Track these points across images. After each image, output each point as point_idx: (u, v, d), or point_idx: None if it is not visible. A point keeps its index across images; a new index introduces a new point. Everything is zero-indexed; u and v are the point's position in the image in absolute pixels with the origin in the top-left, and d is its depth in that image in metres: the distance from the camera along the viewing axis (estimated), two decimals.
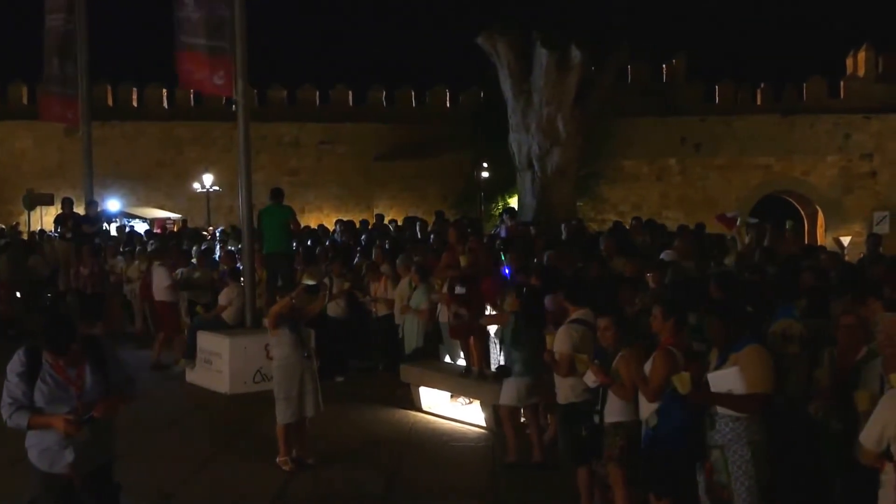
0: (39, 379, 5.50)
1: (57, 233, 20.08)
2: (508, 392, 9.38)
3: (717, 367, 6.42)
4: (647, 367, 6.81)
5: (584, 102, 21.51)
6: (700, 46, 55.41)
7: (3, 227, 28.50)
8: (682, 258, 11.81)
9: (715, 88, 39.82)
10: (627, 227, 18.41)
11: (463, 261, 11.65)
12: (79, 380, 5.54)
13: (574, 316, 8.07)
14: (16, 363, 5.53)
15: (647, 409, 6.81)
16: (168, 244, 18.70)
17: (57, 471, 5.57)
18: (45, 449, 5.55)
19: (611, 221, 24.97)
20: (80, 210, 19.95)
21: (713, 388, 6.38)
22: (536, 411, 9.46)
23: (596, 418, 7.31)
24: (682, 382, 6.33)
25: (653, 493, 6.87)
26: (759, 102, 39.54)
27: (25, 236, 25.07)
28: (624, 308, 8.35)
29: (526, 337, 9.15)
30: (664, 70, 40.07)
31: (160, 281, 14.71)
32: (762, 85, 39.74)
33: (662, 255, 12.27)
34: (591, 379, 7.23)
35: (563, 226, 17.63)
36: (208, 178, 37.64)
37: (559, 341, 7.94)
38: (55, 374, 5.51)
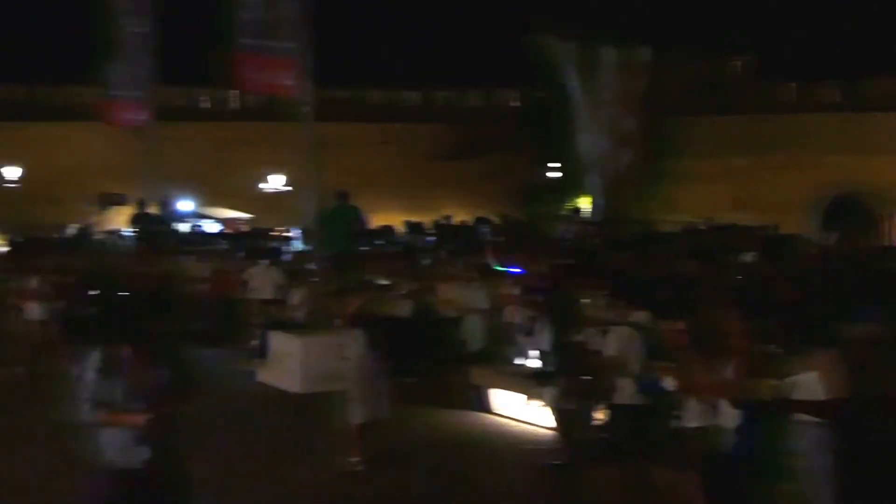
0: (117, 376, 5.63)
1: (131, 232, 20.48)
2: (549, 394, 9.36)
3: (795, 373, 6.27)
4: (726, 371, 6.69)
5: (653, 101, 21.30)
6: (769, 43, 54.31)
7: (79, 226, 29.14)
8: (757, 259, 11.60)
9: (785, 86, 39.04)
10: (699, 228, 18.17)
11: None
12: (152, 376, 5.70)
13: (629, 318, 7.96)
14: (94, 360, 5.67)
15: (726, 414, 6.69)
16: (265, 245, 18.89)
17: (134, 466, 5.68)
18: (122, 446, 5.67)
19: (681, 223, 24.66)
20: (152, 210, 20.32)
21: (792, 395, 6.24)
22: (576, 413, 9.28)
23: (674, 422, 7.21)
24: (762, 389, 6.21)
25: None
26: (830, 100, 38.69)
27: (99, 236, 25.57)
28: (697, 311, 8.22)
29: (559, 339, 9.06)
30: (733, 67, 39.38)
31: (270, 280, 14.90)
32: (833, 82, 38.87)
33: (745, 257, 12.07)
34: (669, 383, 7.13)
35: (632, 227, 17.46)
36: (276, 179, 38.03)
37: (609, 343, 7.86)
38: (131, 370, 5.64)
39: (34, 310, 13.94)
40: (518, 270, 11.77)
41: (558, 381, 9.07)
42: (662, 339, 7.62)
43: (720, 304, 8.44)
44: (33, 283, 14.43)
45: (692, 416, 7.04)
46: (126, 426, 5.63)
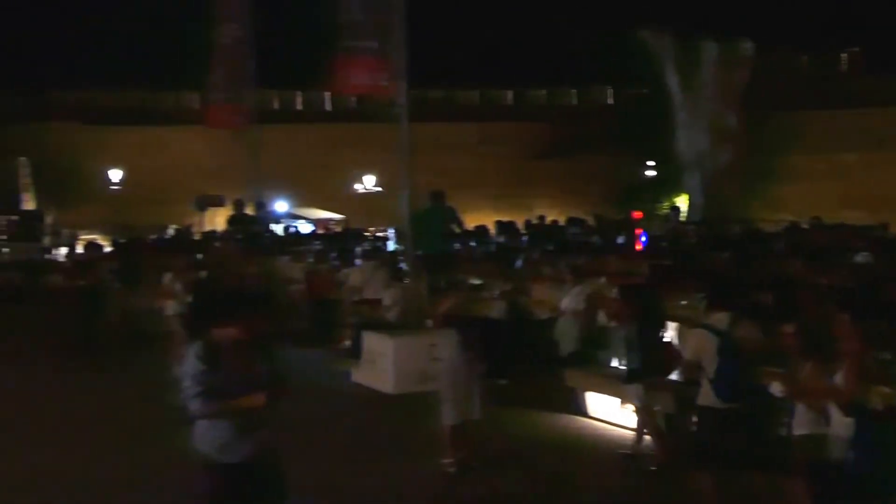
0: (219, 367, 5.72)
1: (229, 233, 20.82)
2: (633, 392, 9.38)
3: None
4: (837, 378, 6.36)
5: (755, 97, 20.74)
6: (879, 34, 52.51)
7: (177, 227, 29.82)
8: (872, 260, 11.13)
9: (893, 79, 37.58)
10: (802, 227, 17.57)
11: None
12: (251, 370, 5.80)
13: (706, 320, 7.64)
14: (195, 354, 5.76)
15: (839, 422, 6.36)
16: (373, 245, 19.02)
17: (238, 461, 5.80)
18: (225, 441, 5.78)
19: (785, 222, 23.93)
20: (249, 211, 20.62)
21: None
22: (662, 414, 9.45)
23: (783, 430, 6.95)
24: (874, 396, 5.88)
25: None
26: None
27: (198, 237, 26.08)
28: (805, 314, 7.87)
29: (645, 339, 9.10)
30: (841, 61, 38.10)
31: (380, 280, 14.98)
32: None
33: (857, 258, 11.61)
34: (778, 389, 6.84)
35: (733, 227, 16.98)
36: (369, 179, 38.30)
37: (686, 346, 7.74)
38: (231, 364, 5.73)
39: (170, 307, 14.27)
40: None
41: (645, 380, 9.11)
42: (770, 343, 7.30)
43: (830, 307, 8.08)
44: (167, 281, 14.77)
45: (800, 423, 6.78)
46: (242, 411, 5.71)
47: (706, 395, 7.39)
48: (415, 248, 14.44)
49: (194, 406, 5.67)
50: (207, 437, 5.82)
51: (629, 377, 9.38)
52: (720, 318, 7.52)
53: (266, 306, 6.50)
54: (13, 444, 10.23)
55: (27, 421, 11.36)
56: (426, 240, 14.52)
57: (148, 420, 11.15)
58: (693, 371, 7.52)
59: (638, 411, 9.63)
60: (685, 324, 9.97)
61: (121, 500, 8.46)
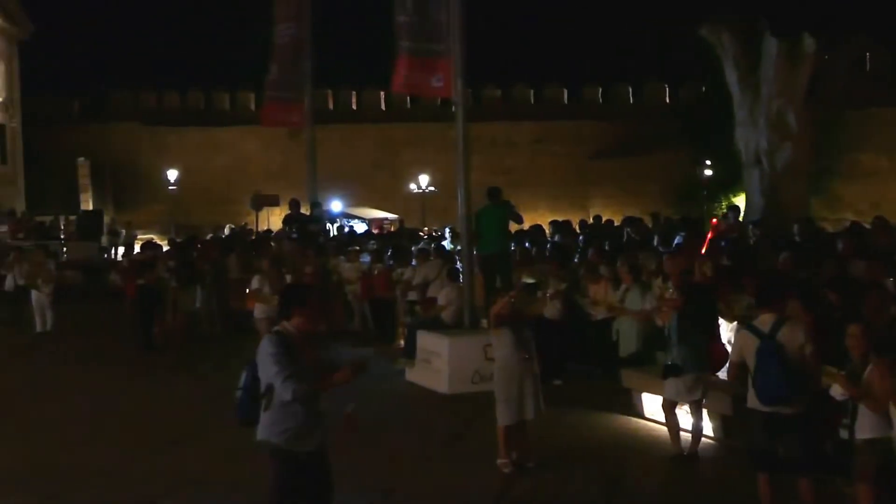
0: (295, 357, 6.02)
1: (285, 232, 20.93)
2: (670, 387, 9.41)
3: None
4: None
5: (818, 94, 20.33)
6: None
7: (233, 226, 30.09)
8: None
9: None
10: (865, 227, 17.14)
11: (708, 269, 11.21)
12: (317, 358, 6.25)
13: (753, 321, 7.48)
14: (272, 345, 6.02)
15: None
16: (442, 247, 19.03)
17: (309, 449, 6.11)
18: (299, 432, 6.06)
19: (847, 221, 23.45)
20: (304, 210, 20.71)
21: None
22: (699, 407, 9.48)
23: (843, 433, 6.75)
24: None
25: None
26: None
27: (253, 236, 26.29)
28: (870, 314, 7.68)
29: (690, 334, 9.17)
30: None
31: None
32: None
33: None
34: (838, 391, 6.67)
35: (795, 226, 16.64)
36: (424, 179, 38.31)
37: (732, 347, 7.60)
38: (303, 354, 6.07)
39: (259, 310, 14.43)
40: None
41: (684, 375, 9.21)
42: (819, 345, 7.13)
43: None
44: (254, 284, 14.90)
45: (863, 427, 6.65)
46: (334, 386, 6.18)
47: (752, 398, 7.25)
48: (476, 249, 14.37)
49: (287, 388, 5.87)
50: (278, 427, 6.03)
51: (665, 372, 9.40)
52: (765, 320, 7.34)
53: (326, 300, 6.63)
54: (76, 440, 10.39)
55: (92, 418, 11.52)
56: (485, 240, 14.43)
57: (202, 418, 11.32)
58: (736, 372, 7.41)
59: (663, 402, 9.69)
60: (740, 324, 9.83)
61: (182, 496, 8.53)
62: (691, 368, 9.22)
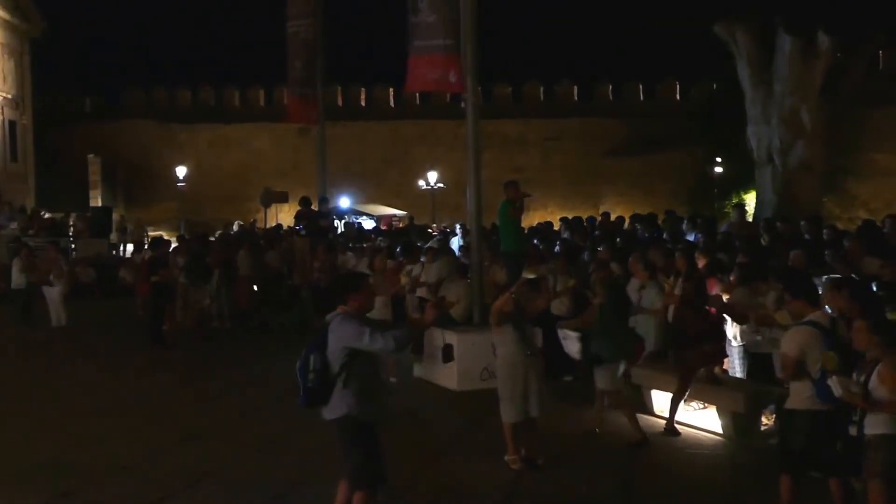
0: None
1: (297, 228, 20.94)
2: (605, 377, 9.88)
3: None
4: None
5: (832, 92, 20.21)
6: None
7: (242, 223, 30.10)
8: None
9: None
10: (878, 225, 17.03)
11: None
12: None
13: (809, 317, 7.31)
14: (347, 319, 6.63)
15: None
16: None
17: (375, 419, 6.76)
18: (370, 404, 6.68)
19: (860, 220, 23.32)
20: (314, 207, 20.71)
21: None
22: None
23: (852, 429, 6.66)
24: None
25: None
26: None
27: (262, 232, 26.28)
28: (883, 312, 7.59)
29: (612, 326, 9.75)
30: None
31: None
32: None
33: None
34: (837, 389, 6.57)
35: (802, 223, 16.55)
36: (433, 176, 38.26)
37: (788, 343, 7.25)
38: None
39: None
40: None
41: (614, 364, 9.86)
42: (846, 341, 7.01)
43: None
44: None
45: (874, 423, 6.56)
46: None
47: (802, 397, 7.07)
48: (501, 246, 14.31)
49: (385, 338, 6.46)
50: (354, 401, 6.57)
51: (592, 361, 9.85)
52: (820, 315, 7.24)
53: (329, 304, 6.99)
54: (89, 436, 10.39)
55: (105, 415, 11.51)
56: (502, 236, 14.39)
57: (216, 414, 11.31)
58: (796, 370, 7.09)
59: (606, 394, 10.07)
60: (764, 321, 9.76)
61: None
62: (613, 358, 9.70)
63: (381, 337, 6.48)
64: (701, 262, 11.95)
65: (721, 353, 10.73)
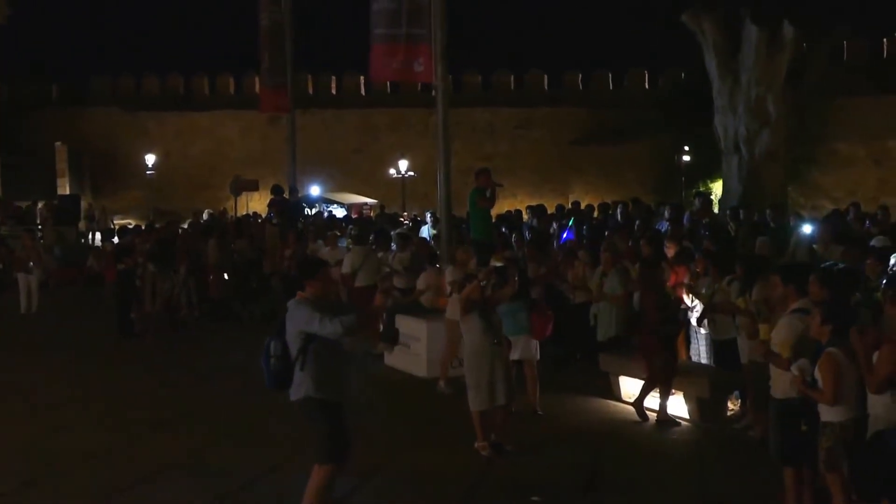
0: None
1: (266, 217, 20.92)
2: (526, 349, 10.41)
3: None
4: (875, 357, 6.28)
5: (797, 82, 20.42)
6: None
7: (212, 211, 29.95)
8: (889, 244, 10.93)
9: None
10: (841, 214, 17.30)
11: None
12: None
13: (796, 305, 7.41)
14: (303, 304, 6.84)
15: (872, 401, 6.28)
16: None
17: (340, 400, 6.95)
18: (333, 385, 6.86)
19: (823, 208, 23.64)
20: (286, 196, 20.68)
21: None
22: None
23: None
24: None
25: (873, 496, 6.32)
26: None
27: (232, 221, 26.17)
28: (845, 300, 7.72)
29: (513, 305, 10.03)
30: (884, 46, 37.51)
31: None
32: None
33: (873, 242, 11.45)
34: (795, 375, 6.73)
35: (767, 212, 16.75)
36: (404, 164, 38.24)
37: (782, 332, 7.33)
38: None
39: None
40: None
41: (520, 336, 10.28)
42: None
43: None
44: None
45: (821, 411, 6.69)
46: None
47: (785, 386, 7.09)
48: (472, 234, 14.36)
49: (334, 323, 6.60)
50: (315, 382, 6.77)
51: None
52: (808, 303, 7.29)
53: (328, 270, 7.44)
54: (58, 424, 10.37)
55: (73, 403, 11.50)
56: (471, 224, 14.42)
57: (183, 403, 11.32)
58: (787, 359, 7.09)
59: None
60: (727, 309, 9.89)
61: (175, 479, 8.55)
62: (513, 332, 10.00)
63: (329, 322, 6.64)
64: (671, 251, 12.07)
65: (675, 335, 10.76)
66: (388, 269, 14.49)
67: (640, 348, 10.53)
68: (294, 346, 6.85)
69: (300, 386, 6.87)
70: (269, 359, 6.94)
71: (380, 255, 15.57)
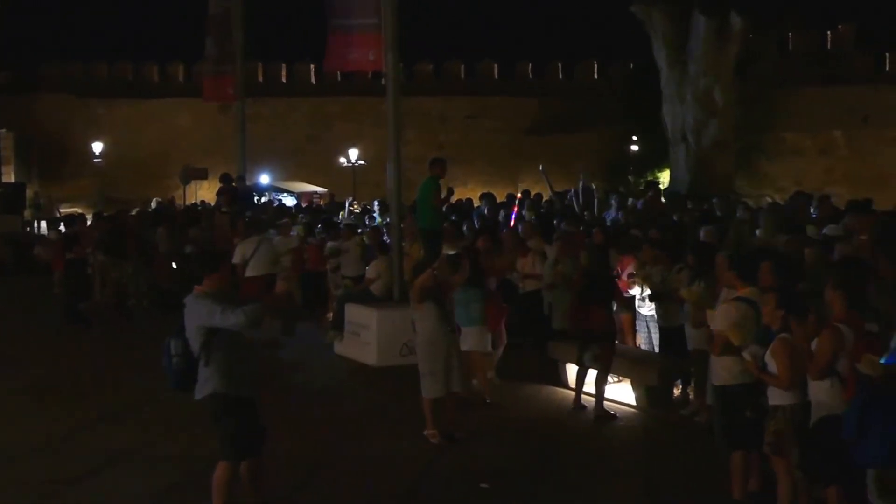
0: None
1: (215, 206, 20.75)
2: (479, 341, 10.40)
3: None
4: (814, 344, 6.41)
5: (744, 72, 20.70)
6: (869, 12, 52.55)
7: (161, 200, 29.65)
8: (853, 234, 11.14)
9: (885, 56, 37.62)
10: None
11: None
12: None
13: (740, 293, 7.55)
14: (201, 298, 6.65)
15: (814, 388, 6.43)
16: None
17: (248, 395, 6.76)
18: (240, 379, 6.65)
19: (769, 197, 23.99)
20: (235, 184, 20.54)
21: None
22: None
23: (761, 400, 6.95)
24: (870, 365, 5.90)
25: (821, 480, 6.47)
26: None
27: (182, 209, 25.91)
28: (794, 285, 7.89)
29: (468, 295, 10.11)
30: (830, 37, 38.10)
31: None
32: None
33: (825, 230, 11.65)
34: (747, 359, 6.87)
35: (714, 200, 16.99)
36: (354, 153, 38.13)
37: (719, 318, 7.47)
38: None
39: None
40: None
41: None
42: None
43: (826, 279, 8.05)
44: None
45: (770, 394, 6.81)
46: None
47: (734, 372, 7.18)
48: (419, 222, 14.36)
49: (235, 315, 6.40)
50: (221, 377, 6.55)
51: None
52: (752, 292, 7.37)
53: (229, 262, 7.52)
54: (5, 416, 10.24)
55: (21, 394, 11.36)
56: (420, 213, 14.43)
57: (134, 393, 11.24)
58: (721, 346, 7.21)
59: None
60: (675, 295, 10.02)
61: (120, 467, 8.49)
62: (465, 322, 10.08)
63: (232, 313, 6.43)
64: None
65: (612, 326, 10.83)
66: (284, 259, 14.41)
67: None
68: (196, 343, 6.62)
69: (206, 383, 6.64)
70: (170, 358, 6.74)
71: (330, 244, 15.52)
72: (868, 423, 5.76)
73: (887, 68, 37.77)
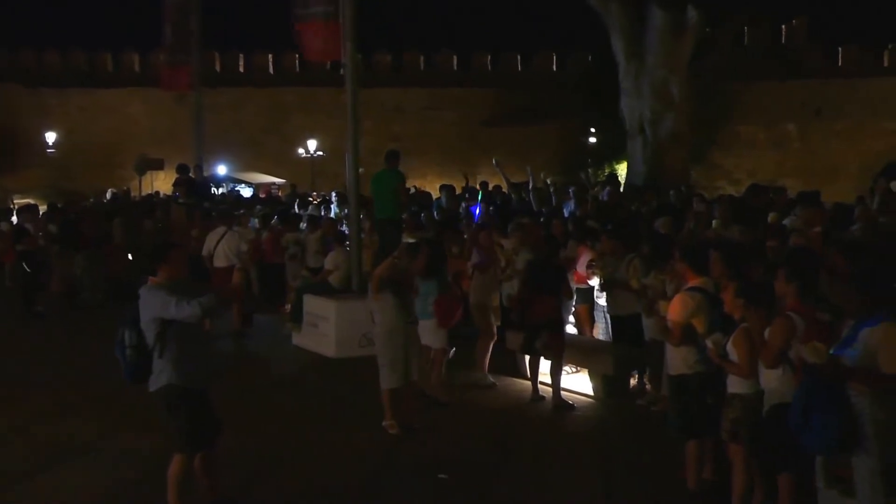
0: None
1: (174, 196, 20.55)
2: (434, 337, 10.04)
3: (848, 342, 5.98)
4: (767, 332, 6.49)
5: (700, 65, 20.88)
6: (822, 6, 53.25)
7: (115, 191, 29.31)
8: (806, 225, 11.31)
9: (838, 51, 38.16)
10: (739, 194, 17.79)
11: None
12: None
13: (692, 284, 7.64)
14: (155, 290, 6.61)
15: (766, 376, 6.51)
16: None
17: (202, 388, 6.75)
18: (195, 372, 6.64)
19: (724, 189, 24.27)
20: (193, 175, 20.36)
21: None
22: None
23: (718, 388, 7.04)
24: (814, 352, 5.98)
25: (771, 468, 6.56)
26: (885, 64, 37.74)
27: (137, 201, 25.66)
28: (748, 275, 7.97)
29: (426, 289, 9.90)
30: (783, 32, 38.57)
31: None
32: (889, 46, 37.90)
33: (785, 222, 11.82)
34: (709, 348, 6.96)
35: (671, 192, 17.15)
36: (313, 144, 37.92)
37: (674, 309, 7.55)
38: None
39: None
40: None
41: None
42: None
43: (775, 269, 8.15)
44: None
45: (729, 383, 6.89)
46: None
47: (690, 362, 7.29)
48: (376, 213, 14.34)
49: (191, 306, 6.35)
50: (176, 369, 6.54)
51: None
52: (705, 282, 7.46)
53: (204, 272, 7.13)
54: None
55: None
56: (378, 204, 14.41)
57: (87, 387, 11.11)
58: (684, 336, 7.31)
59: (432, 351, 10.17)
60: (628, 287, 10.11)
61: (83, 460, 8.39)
62: (422, 315, 9.80)
63: (187, 304, 6.39)
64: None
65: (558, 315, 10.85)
66: (245, 250, 14.37)
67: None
68: (150, 334, 6.58)
69: (160, 374, 6.60)
70: (124, 349, 6.70)
71: (288, 235, 15.44)
72: (812, 411, 5.82)
73: (840, 62, 38.31)
